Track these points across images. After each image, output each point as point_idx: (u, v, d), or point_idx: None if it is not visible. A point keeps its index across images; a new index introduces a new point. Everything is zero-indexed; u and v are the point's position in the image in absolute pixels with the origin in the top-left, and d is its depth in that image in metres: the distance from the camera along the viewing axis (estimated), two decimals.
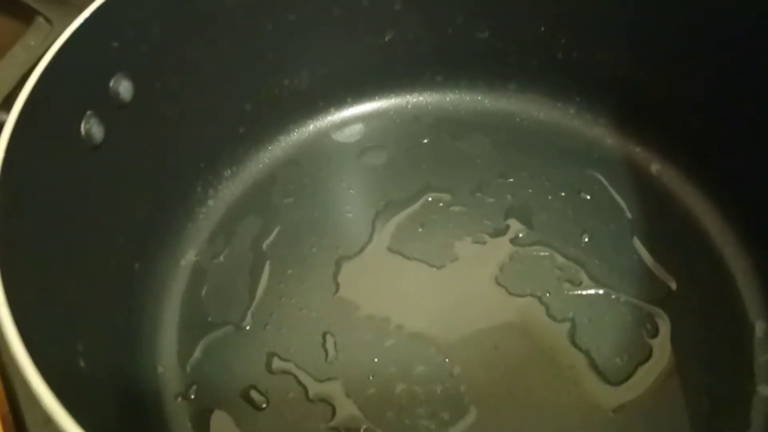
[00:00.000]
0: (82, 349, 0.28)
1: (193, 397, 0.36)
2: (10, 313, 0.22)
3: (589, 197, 0.43)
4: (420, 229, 0.42)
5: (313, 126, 0.48)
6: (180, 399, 0.36)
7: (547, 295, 0.39)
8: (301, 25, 0.43)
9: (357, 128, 0.48)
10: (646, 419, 0.34)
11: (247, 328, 0.39)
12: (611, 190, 0.43)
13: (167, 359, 0.38)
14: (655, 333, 0.37)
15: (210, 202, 0.44)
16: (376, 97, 0.49)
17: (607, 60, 0.44)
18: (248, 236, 0.43)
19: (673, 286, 0.39)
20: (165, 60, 0.37)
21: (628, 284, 0.39)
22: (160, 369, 0.37)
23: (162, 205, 0.41)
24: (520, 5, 0.44)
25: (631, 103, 0.44)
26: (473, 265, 0.40)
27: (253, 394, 0.36)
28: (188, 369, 0.37)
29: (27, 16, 0.34)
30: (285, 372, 0.37)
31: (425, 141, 0.47)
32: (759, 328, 0.36)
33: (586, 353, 0.37)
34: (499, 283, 0.39)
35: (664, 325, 0.37)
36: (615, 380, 0.36)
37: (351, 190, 0.45)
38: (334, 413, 0.35)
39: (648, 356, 0.36)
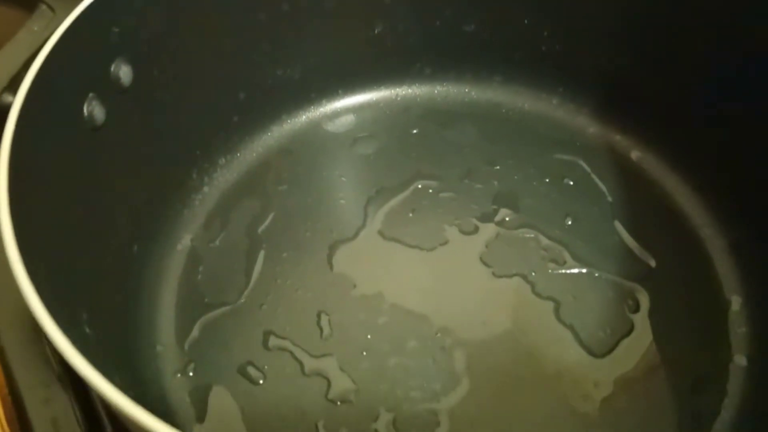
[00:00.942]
0: (87, 318, 0.29)
1: (191, 374, 0.37)
2: (28, 276, 0.23)
3: (572, 183, 0.45)
4: (411, 215, 0.43)
5: (306, 116, 0.49)
6: (179, 375, 0.37)
7: (533, 274, 0.40)
8: (294, 17, 0.44)
9: (348, 119, 0.49)
10: (630, 389, 0.36)
11: (244, 308, 0.40)
12: (593, 176, 0.45)
13: (166, 338, 0.39)
14: (636, 308, 0.39)
15: (205, 189, 0.45)
16: (367, 89, 0.50)
17: (589, 52, 0.45)
18: (243, 221, 0.44)
19: (653, 264, 0.40)
20: (163, 47, 0.38)
21: (609, 263, 0.41)
22: (159, 348, 0.38)
23: (159, 189, 0.42)
24: None
25: (611, 94, 0.46)
26: (462, 247, 0.42)
27: (251, 369, 0.37)
28: (186, 347, 0.38)
29: (30, 3, 0.35)
30: (281, 349, 0.38)
31: (414, 131, 0.48)
32: (735, 302, 0.38)
33: (571, 328, 0.38)
34: (487, 264, 0.41)
35: (645, 301, 0.39)
36: (599, 353, 0.37)
37: (343, 178, 0.46)
38: (329, 386, 0.36)
39: (630, 330, 0.38)
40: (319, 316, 0.39)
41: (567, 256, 0.41)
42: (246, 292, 0.41)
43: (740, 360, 0.36)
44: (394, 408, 0.35)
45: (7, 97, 0.31)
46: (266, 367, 0.37)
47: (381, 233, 0.43)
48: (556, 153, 0.46)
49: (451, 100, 0.50)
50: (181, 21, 0.39)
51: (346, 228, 0.43)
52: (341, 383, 0.37)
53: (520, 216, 0.43)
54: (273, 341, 0.39)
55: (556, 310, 0.39)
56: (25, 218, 0.26)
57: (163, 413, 0.32)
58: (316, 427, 0.35)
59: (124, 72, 0.35)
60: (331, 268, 0.41)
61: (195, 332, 0.39)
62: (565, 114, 0.48)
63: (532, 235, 0.42)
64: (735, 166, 0.41)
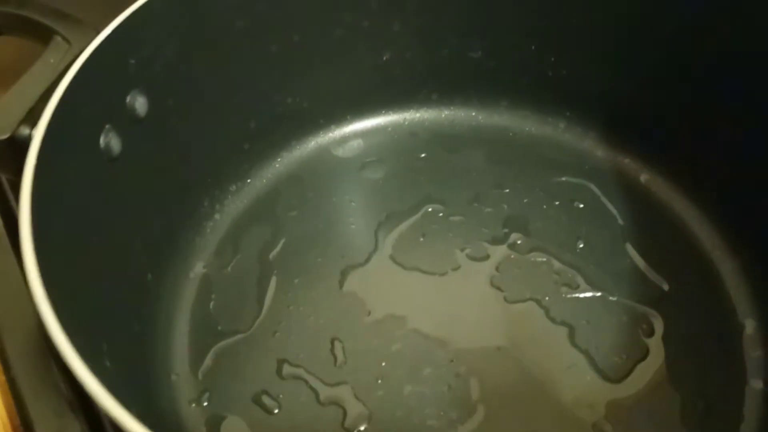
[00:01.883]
0: (107, 349, 0.29)
1: (206, 404, 0.37)
2: (50, 306, 0.23)
3: (582, 206, 0.45)
4: (421, 239, 0.44)
5: (315, 142, 0.50)
6: (194, 405, 0.37)
7: (546, 299, 0.40)
8: (304, 46, 0.45)
9: (357, 144, 0.50)
10: (645, 414, 0.36)
11: (257, 336, 0.40)
12: (603, 198, 0.45)
13: (180, 367, 0.38)
14: (650, 332, 0.39)
15: (217, 216, 0.46)
16: (375, 114, 0.50)
17: (595, 76, 0.46)
18: (254, 248, 0.44)
19: (666, 287, 0.40)
20: (177, 78, 0.39)
21: (622, 287, 0.41)
22: (174, 377, 0.38)
23: (172, 217, 0.42)
24: (511, 26, 0.46)
25: (618, 117, 0.47)
26: (474, 272, 0.42)
27: (265, 399, 0.37)
28: (200, 376, 0.38)
29: (46, 35, 0.36)
30: (295, 377, 0.38)
31: (422, 155, 0.49)
32: (749, 325, 0.38)
33: (586, 353, 0.38)
34: (499, 288, 0.41)
35: (659, 325, 0.39)
36: (615, 378, 0.37)
37: (353, 203, 0.46)
38: (345, 415, 0.36)
39: (645, 354, 0.38)
40: (332, 343, 0.39)
41: (580, 280, 0.41)
42: (259, 320, 0.41)
43: (756, 383, 0.36)
44: None
45: (24, 130, 0.31)
46: (281, 396, 0.37)
47: (392, 258, 0.43)
48: (564, 176, 0.46)
49: (458, 124, 0.50)
50: (196, 52, 0.39)
51: (357, 253, 0.43)
52: (357, 412, 0.37)
53: (531, 240, 0.43)
54: (287, 369, 0.38)
55: (571, 335, 0.39)
56: (46, 250, 0.26)
57: None
58: None
59: (139, 103, 0.36)
60: (343, 293, 0.41)
61: (209, 361, 0.39)
62: (573, 137, 0.48)
63: (544, 259, 0.42)
64: (744, 188, 0.41)
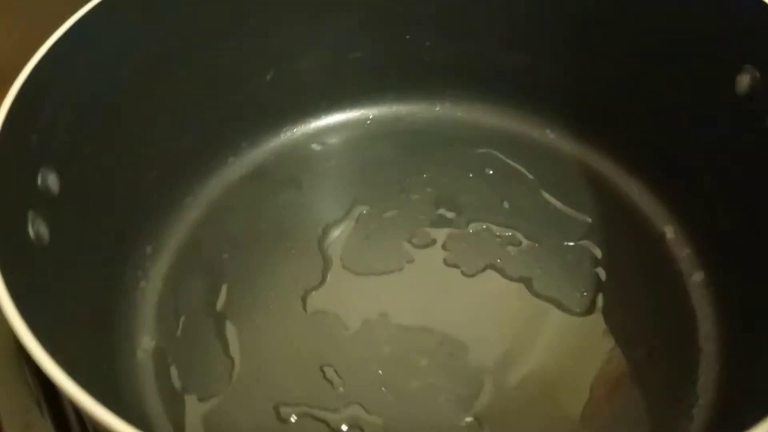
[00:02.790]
0: None
1: None
2: None
3: (492, 172, 0.48)
4: (366, 242, 0.44)
5: (215, 179, 0.47)
6: None
7: (498, 261, 0.43)
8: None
9: (261, 169, 0.48)
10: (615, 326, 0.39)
11: (240, 390, 0.38)
12: (508, 160, 0.48)
13: None
14: (595, 262, 0.42)
15: (142, 283, 0.42)
16: (271, 136, 0.49)
17: (471, 51, 0.49)
18: (198, 303, 0.41)
19: (589, 220, 0.44)
20: (78, 149, 0.35)
21: (555, 231, 0.44)
22: None
23: (100, 297, 0.38)
24: (384, 17, 0.47)
25: (498, 85, 0.50)
26: (427, 258, 0.43)
27: None
28: None
29: None
30: (300, 416, 0.36)
31: (332, 162, 0.49)
32: (669, 231, 0.43)
33: (551, 299, 0.41)
34: (455, 266, 0.42)
35: (598, 253, 0.43)
36: (584, 311, 0.40)
37: (282, 226, 0.45)
38: None
39: (599, 283, 0.41)
40: (322, 369, 0.38)
41: (519, 236, 0.44)
42: (236, 373, 0.38)
43: (697, 276, 0.41)
44: (439, 427, 0.36)
45: None
46: None
47: (346, 268, 0.42)
48: (469, 149, 0.49)
49: (352, 125, 0.51)
50: (91, 120, 0.36)
51: (309, 274, 0.42)
52: (374, 425, 0.36)
53: (464, 213, 0.45)
54: (287, 411, 0.37)
55: (531, 288, 0.41)
56: None
57: None
58: None
59: (51, 180, 0.32)
60: (312, 317, 0.40)
61: None
62: (463, 112, 0.51)
63: (483, 227, 0.44)
64: (630, 115, 0.45)
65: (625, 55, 0.43)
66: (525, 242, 0.44)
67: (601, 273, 0.42)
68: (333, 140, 0.50)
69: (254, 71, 0.47)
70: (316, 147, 0.49)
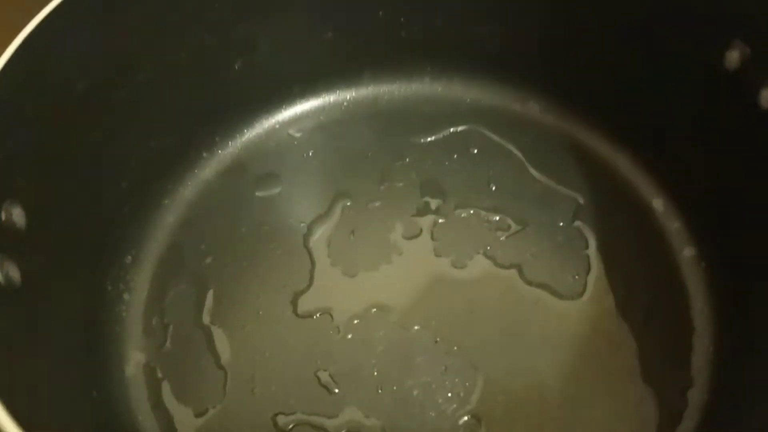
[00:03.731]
0: None
1: None
2: None
3: (476, 150, 0.46)
4: (352, 237, 0.43)
5: (190, 182, 0.46)
6: None
7: (488, 248, 0.42)
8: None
9: (239, 163, 0.46)
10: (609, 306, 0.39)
11: (235, 401, 0.37)
12: (493, 136, 0.47)
13: None
14: (585, 244, 0.42)
15: (126, 296, 0.41)
16: (239, 133, 0.47)
17: (447, 24, 0.46)
18: (185, 313, 0.40)
19: (581, 200, 0.43)
20: (42, 172, 0.33)
21: (544, 211, 0.43)
22: None
23: (89, 316, 0.37)
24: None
25: (476, 58, 0.48)
26: (416, 249, 0.42)
27: None
28: None
29: None
30: (297, 424, 0.36)
31: (310, 152, 0.47)
32: (657, 205, 0.43)
33: (543, 285, 0.40)
34: (444, 256, 0.42)
35: (590, 234, 0.42)
36: (575, 295, 0.40)
37: (265, 227, 0.44)
38: None
39: (589, 266, 0.41)
40: (317, 375, 0.38)
41: (508, 220, 0.43)
42: (229, 384, 0.38)
43: (688, 251, 0.41)
44: (437, 427, 0.36)
45: None
46: None
47: (334, 266, 0.42)
48: (451, 127, 0.47)
49: (330, 109, 0.49)
50: (54, 142, 0.34)
51: (297, 276, 0.41)
52: (372, 429, 0.36)
53: (450, 198, 0.44)
54: (284, 420, 0.36)
55: (523, 274, 0.41)
56: None
57: None
58: None
59: (17, 214, 0.30)
60: (303, 321, 0.40)
61: None
62: (443, 89, 0.49)
63: (471, 212, 0.43)
64: (615, 86, 0.44)
65: (609, 27, 0.41)
66: (514, 226, 0.43)
67: (592, 252, 0.41)
68: (310, 127, 0.48)
69: (220, 63, 0.44)
70: (292, 136, 0.48)
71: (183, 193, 0.45)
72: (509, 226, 0.43)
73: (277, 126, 0.48)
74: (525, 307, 0.40)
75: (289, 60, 0.47)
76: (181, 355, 0.39)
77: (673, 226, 0.42)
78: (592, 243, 0.42)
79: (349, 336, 0.39)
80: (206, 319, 0.40)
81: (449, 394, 0.37)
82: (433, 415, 0.36)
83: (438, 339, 0.38)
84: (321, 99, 0.49)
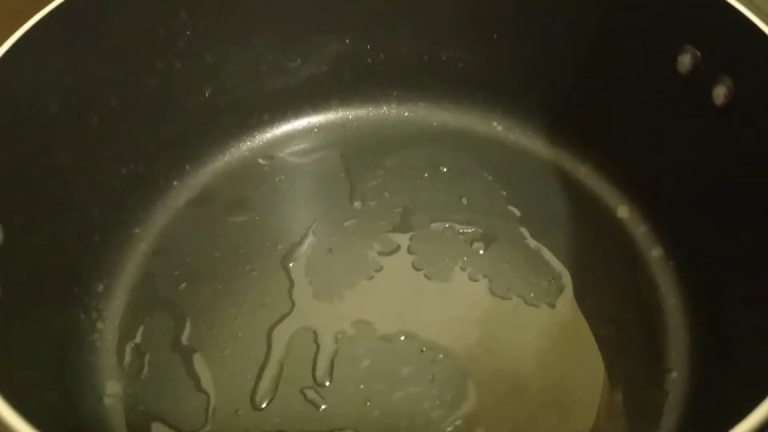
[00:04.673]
0: None
1: None
2: None
3: (446, 169, 0.48)
4: (330, 255, 0.43)
5: (162, 204, 0.45)
6: None
7: (465, 259, 0.42)
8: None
9: (206, 188, 0.46)
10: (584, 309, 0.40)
11: (220, 425, 0.36)
12: (461, 156, 0.48)
13: None
14: (557, 249, 0.43)
15: (99, 325, 0.39)
16: (210, 161, 0.47)
17: (411, 51, 0.48)
18: (162, 340, 0.39)
19: (548, 211, 0.45)
20: (16, 194, 0.33)
21: (513, 222, 0.44)
22: None
23: (61, 347, 0.36)
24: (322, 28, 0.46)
25: (439, 81, 0.50)
26: (394, 264, 0.42)
27: None
28: None
29: None
30: None
31: (281, 177, 0.47)
32: (621, 211, 0.44)
33: (520, 292, 0.41)
34: (422, 269, 0.42)
35: (560, 243, 0.43)
36: (550, 301, 0.41)
37: (241, 251, 0.43)
38: None
39: (563, 269, 0.42)
40: (303, 392, 0.37)
41: (482, 231, 0.44)
42: (212, 408, 0.37)
43: (655, 252, 0.42)
44: None
45: None
46: None
47: (313, 284, 0.41)
48: (419, 147, 0.48)
49: (298, 133, 0.50)
50: (26, 165, 0.34)
51: (275, 296, 0.41)
52: None
53: (424, 213, 0.45)
54: None
55: (499, 283, 0.41)
56: None
57: None
58: None
59: None
60: (285, 340, 0.39)
61: None
62: (409, 113, 0.50)
63: (446, 225, 0.44)
64: (571, 98, 0.46)
65: (565, 45, 0.43)
66: (488, 237, 0.44)
67: (564, 259, 0.42)
68: (280, 153, 0.48)
69: (190, 90, 0.45)
70: (263, 162, 0.48)
71: (154, 221, 0.44)
72: (484, 237, 0.43)
73: (247, 153, 0.48)
74: (503, 315, 0.40)
75: (258, 87, 0.47)
76: (159, 382, 0.38)
77: (639, 230, 0.43)
78: (563, 249, 0.43)
79: (334, 351, 0.38)
80: (184, 344, 0.39)
81: (437, 402, 0.36)
82: (422, 423, 0.36)
83: (423, 349, 0.38)
84: (290, 125, 0.49)
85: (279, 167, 0.48)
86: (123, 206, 0.43)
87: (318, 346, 0.38)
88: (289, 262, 0.42)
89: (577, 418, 0.36)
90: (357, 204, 0.45)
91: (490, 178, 0.47)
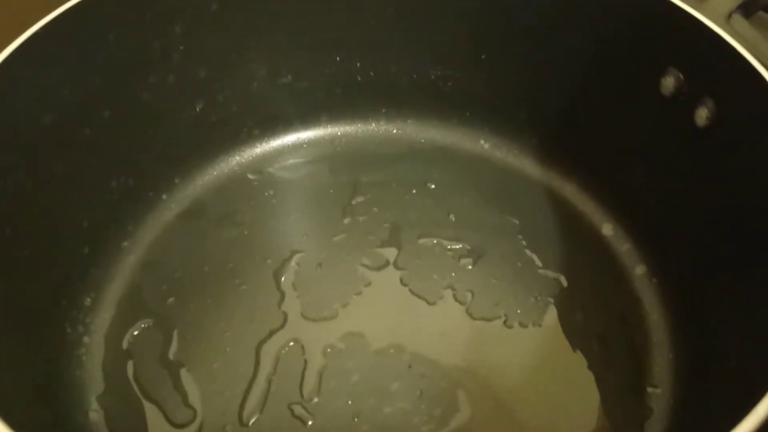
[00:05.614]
0: None
1: None
2: None
3: (434, 186, 0.48)
4: (319, 269, 0.43)
5: (152, 217, 0.45)
6: None
7: (453, 274, 0.43)
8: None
9: (197, 206, 0.46)
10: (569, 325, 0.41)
11: None
12: (448, 173, 0.49)
13: None
14: (543, 266, 0.43)
15: (86, 339, 0.39)
16: (199, 174, 0.47)
17: (400, 68, 0.49)
18: (149, 353, 0.39)
19: (534, 229, 0.45)
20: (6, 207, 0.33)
21: (502, 241, 0.45)
22: None
23: (47, 361, 0.35)
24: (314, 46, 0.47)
25: (427, 101, 0.50)
26: (383, 280, 0.42)
27: None
28: None
29: None
30: None
31: (270, 192, 0.47)
32: (606, 228, 0.45)
33: (507, 308, 0.41)
34: (410, 284, 0.42)
35: (546, 261, 0.44)
36: (538, 316, 0.41)
37: (229, 265, 0.43)
38: None
39: (548, 286, 0.42)
40: (290, 408, 0.37)
41: (468, 247, 0.44)
42: (197, 422, 0.36)
43: (639, 269, 0.43)
44: None
45: None
46: None
47: (302, 298, 0.41)
48: (407, 164, 0.49)
49: (286, 149, 0.50)
50: (15, 177, 0.34)
51: (264, 310, 0.41)
52: None
53: (413, 229, 0.45)
54: None
55: (488, 298, 0.42)
56: None
57: None
58: None
59: None
60: (273, 355, 0.39)
61: None
62: (398, 130, 0.51)
63: (435, 241, 0.44)
64: (554, 116, 0.47)
65: (548, 60, 0.44)
66: (476, 253, 0.44)
67: (550, 276, 0.43)
68: (270, 168, 0.49)
69: (182, 104, 0.45)
70: (253, 177, 0.48)
71: (143, 235, 0.44)
72: (471, 253, 0.44)
73: (237, 168, 0.49)
74: (491, 331, 0.40)
75: (249, 102, 0.48)
76: (146, 397, 0.37)
77: (623, 247, 0.44)
78: (548, 266, 0.43)
79: (323, 366, 0.38)
80: (171, 358, 0.39)
81: (426, 418, 0.37)
82: None
83: (411, 364, 0.39)
84: (280, 140, 0.50)
85: (268, 182, 0.48)
86: (112, 219, 0.43)
87: (306, 362, 0.38)
88: (279, 277, 0.42)
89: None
90: (346, 219, 0.46)
91: (477, 195, 0.47)
